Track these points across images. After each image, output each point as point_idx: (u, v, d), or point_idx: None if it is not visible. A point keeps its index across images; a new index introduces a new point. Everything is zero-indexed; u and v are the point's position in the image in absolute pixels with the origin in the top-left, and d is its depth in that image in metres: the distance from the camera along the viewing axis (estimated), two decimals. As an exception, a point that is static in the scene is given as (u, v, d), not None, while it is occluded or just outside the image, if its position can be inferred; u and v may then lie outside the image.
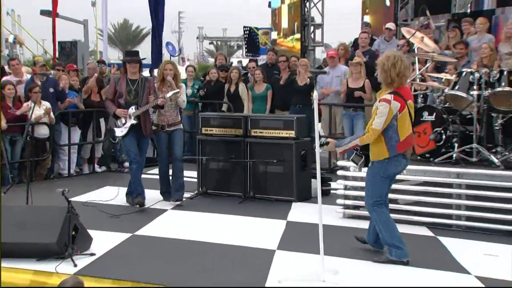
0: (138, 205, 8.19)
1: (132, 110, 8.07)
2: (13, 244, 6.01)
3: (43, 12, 18.24)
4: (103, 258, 6.26)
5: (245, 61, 24.53)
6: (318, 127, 6.01)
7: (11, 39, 22.15)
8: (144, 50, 47.50)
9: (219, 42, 54.25)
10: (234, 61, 24.93)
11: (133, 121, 8.07)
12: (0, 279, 5.01)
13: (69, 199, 6.15)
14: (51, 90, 10.40)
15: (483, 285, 5.57)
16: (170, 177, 8.73)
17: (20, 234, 6.08)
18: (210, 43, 54.72)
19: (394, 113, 5.84)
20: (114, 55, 50.32)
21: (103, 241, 6.66)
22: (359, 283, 5.56)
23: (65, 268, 5.81)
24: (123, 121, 8.15)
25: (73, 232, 6.11)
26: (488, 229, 7.06)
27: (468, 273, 5.87)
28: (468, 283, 5.65)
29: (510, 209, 6.95)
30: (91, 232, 6.58)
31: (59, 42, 17.72)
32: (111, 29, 45.06)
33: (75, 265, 5.88)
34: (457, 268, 6.03)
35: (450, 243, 6.79)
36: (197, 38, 51.59)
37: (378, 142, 5.91)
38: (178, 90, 8.34)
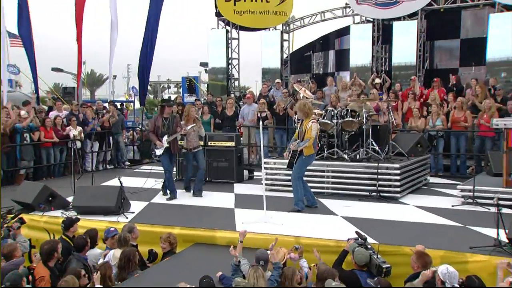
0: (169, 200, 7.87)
1: (165, 137, 7.77)
2: (88, 207, 6.54)
3: (54, 69, 17.77)
4: (139, 214, 6.78)
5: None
6: (262, 141, 6.90)
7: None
8: (105, 90, 46.25)
9: (154, 84, 53.65)
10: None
11: (166, 145, 7.76)
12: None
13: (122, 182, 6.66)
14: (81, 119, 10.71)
15: (346, 221, 6.19)
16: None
17: (93, 201, 6.61)
18: (149, 85, 53.91)
19: (318, 130, 6.76)
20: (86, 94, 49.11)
21: (135, 206, 7.12)
22: (284, 222, 6.01)
23: (122, 219, 6.40)
24: (159, 145, 7.82)
25: (122, 200, 6.66)
26: (343, 193, 7.83)
27: (336, 215, 6.59)
28: (336, 220, 6.29)
29: (353, 182, 7.82)
30: (127, 201, 6.96)
31: (64, 87, 17.32)
32: (83, 75, 43.27)
33: (127, 218, 6.45)
34: (330, 212, 6.72)
35: (324, 201, 7.46)
36: (140, 82, 50.88)
37: (310, 145, 6.69)
38: (195, 124, 8.14)
